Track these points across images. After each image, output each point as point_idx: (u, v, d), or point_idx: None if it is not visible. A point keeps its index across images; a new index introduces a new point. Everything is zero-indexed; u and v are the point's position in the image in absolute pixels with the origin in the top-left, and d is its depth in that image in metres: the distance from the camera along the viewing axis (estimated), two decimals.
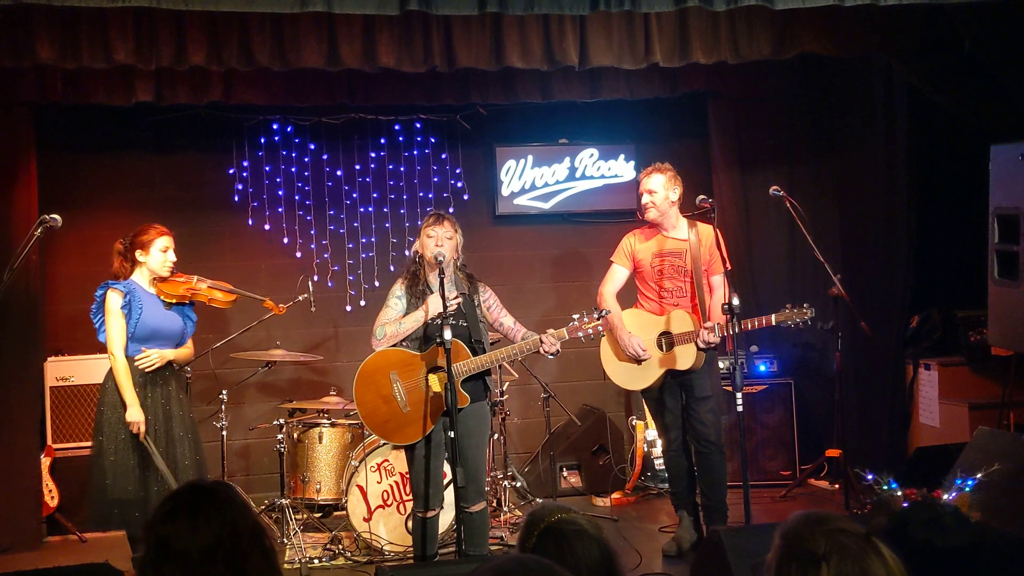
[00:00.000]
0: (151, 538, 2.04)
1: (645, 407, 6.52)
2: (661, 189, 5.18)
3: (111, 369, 4.61)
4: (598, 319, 4.64)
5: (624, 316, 5.31)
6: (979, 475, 3.16)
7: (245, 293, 5.16)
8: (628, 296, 5.46)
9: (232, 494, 2.13)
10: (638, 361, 5.22)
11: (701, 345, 5.03)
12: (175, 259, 4.76)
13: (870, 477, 2.81)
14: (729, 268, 5.29)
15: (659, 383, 5.25)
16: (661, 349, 5.22)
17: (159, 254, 4.70)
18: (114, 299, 4.58)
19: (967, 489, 2.95)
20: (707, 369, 5.15)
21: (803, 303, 5.13)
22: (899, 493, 2.42)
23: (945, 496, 2.76)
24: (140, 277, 4.72)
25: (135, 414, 4.51)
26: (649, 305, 5.32)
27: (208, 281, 4.89)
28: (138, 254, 4.69)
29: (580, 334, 4.64)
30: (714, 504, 5.21)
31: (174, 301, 4.75)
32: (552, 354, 4.64)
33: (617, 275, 5.38)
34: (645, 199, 5.22)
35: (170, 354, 4.69)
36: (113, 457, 4.53)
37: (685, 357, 5.11)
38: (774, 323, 5.13)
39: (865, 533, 1.90)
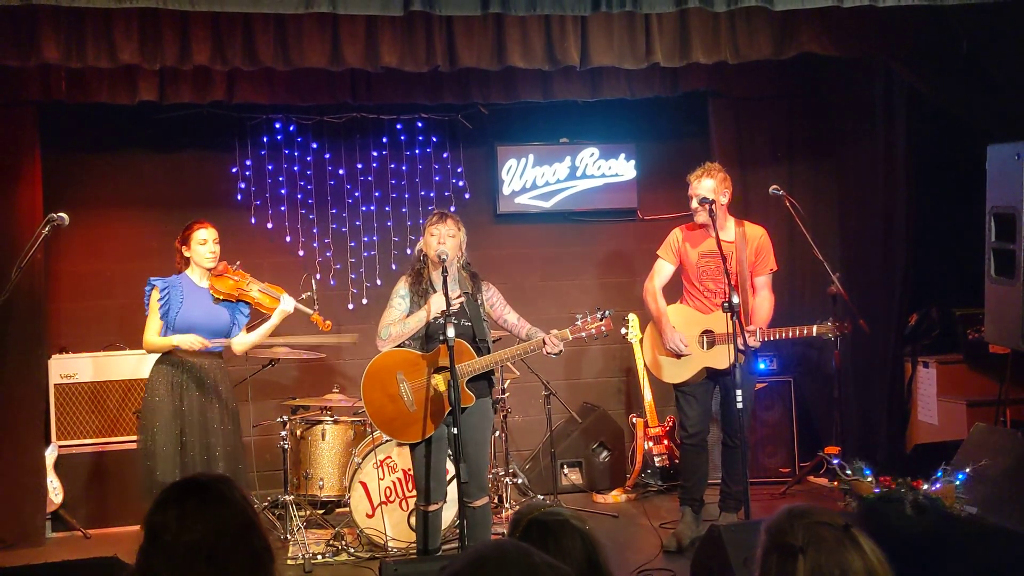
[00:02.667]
0: (145, 525, 2.04)
1: (647, 402, 6.58)
2: (711, 194, 5.20)
3: (155, 364, 4.87)
4: (601, 320, 4.68)
5: (669, 311, 5.38)
6: (967, 469, 3.18)
7: (296, 305, 5.12)
8: (673, 290, 5.55)
9: (228, 491, 2.09)
10: (678, 355, 5.30)
11: (741, 347, 5.01)
12: (216, 250, 4.92)
13: (835, 462, 2.83)
14: (775, 269, 5.35)
15: (696, 379, 5.34)
16: (702, 347, 5.30)
17: (199, 247, 4.90)
18: (153, 295, 4.86)
19: (956, 482, 2.97)
20: (745, 369, 5.17)
21: (841, 319, 5.39)
22: (870, 480, 2.44)
23: (926, 487, 2.77)
24: (192, 271, 4.94)
25: (188, 340, 4.73)
26: (694, 303, 5.40)
27: (260, 284, 5.01)
28: (183, 249, 4.93)
29: (583, 334, 4.68)
30: (734, 492, 5.36)
31: (222, 298, 4.92)
32: (555, 354, 4.67)
33: (663, 270, 5.45)
34: (695, 203, 5.25)
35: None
36: (151, 444, 4.72)
37: (725, 356, 5.15)
38: (814, 334, 5.25)
39: (844, 525, 1.92)
